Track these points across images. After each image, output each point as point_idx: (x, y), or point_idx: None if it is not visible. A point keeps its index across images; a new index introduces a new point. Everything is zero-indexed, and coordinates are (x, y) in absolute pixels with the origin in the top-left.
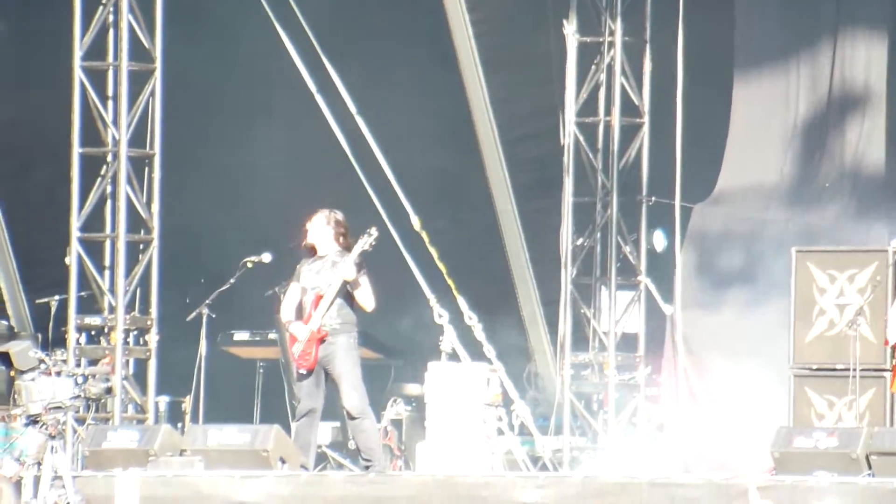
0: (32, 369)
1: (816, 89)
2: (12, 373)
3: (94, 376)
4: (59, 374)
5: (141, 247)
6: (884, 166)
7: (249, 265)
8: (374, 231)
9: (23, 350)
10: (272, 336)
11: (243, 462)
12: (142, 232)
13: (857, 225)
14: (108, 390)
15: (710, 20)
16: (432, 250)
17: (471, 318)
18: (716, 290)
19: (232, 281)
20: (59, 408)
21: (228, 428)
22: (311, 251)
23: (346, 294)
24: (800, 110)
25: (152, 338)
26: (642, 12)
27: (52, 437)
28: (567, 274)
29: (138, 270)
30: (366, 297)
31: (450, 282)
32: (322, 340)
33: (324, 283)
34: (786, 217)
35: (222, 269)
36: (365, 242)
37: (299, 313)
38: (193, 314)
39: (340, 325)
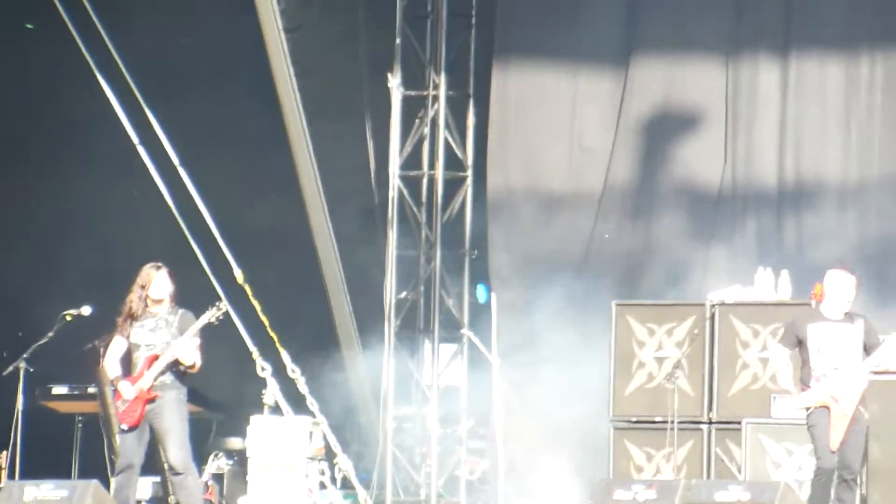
0: None
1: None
2: None
3: None
4: None
5: None
6: (718, 185)
7: (69, 318)
8: (222, 306)
9: None
10: (91, 390)
11: None
12: None
13: (693, 242)
14: None
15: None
16: (255, 303)
17: (294, 370)
18: (535, 340)
19: (50, 334)
20: None
21: (46, 484)
22: (140, 305)
23: None
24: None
25: None
26: (465, 66)
27: None
28: (390, 326)
29: None
30: (197, 362)
31: (272, 334)
32: (150, 400)
33: (159, 342)
34: (617, 228)
35: (40, 322)
36: (211, 316)
37: (125, 368)
38: (10, 368)
39: (170, 382)
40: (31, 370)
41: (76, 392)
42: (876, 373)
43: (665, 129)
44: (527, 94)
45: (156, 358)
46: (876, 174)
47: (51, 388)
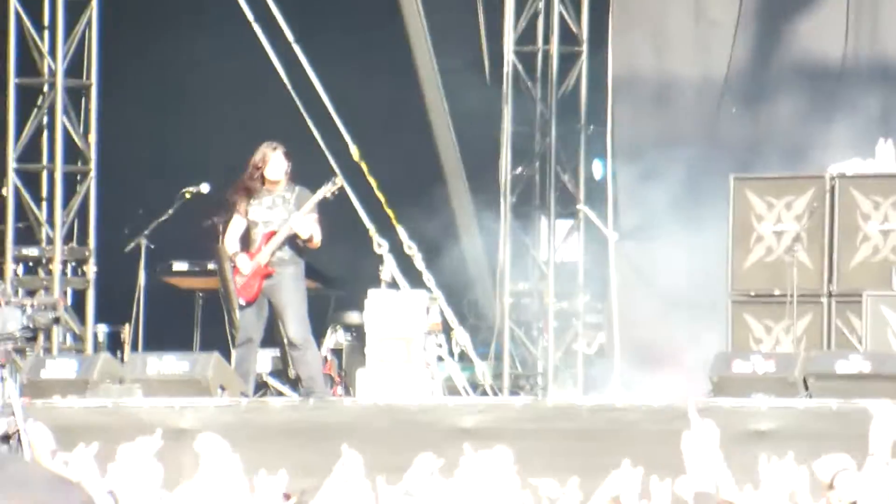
0: None
1: None
2: None
3: (41, 306)
4: (8, 303)
5: (78, 178)
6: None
7: (188, 196)
8: (337, 181)
9: None
10: (211, 266)
11: (183, 390)
12: (79, 163)
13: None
14: (56, 320)
15: None
16: (371, 181)
17: (410, 247)
18: (653, 216)
19: (170, 211)
20: (9, 338)
21: (168, 356)
22: (258, 184)
23: None
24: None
25: (90, 268)
26: None
27: (2, 367)
28: (506, 202)
29: (76, 201)
30: (315, 237)
31: (389, 211)
32: (267, 275)
33: (277, 218)
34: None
35: (161, 199)
36: (327, 191)
37: (244, 244)
38: (132, 244)
39: (289, 258)
40: (152, 247)
41: (196, 268)
42: None
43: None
44: None
45: (273, 234)
46: None
47: (171, 264)
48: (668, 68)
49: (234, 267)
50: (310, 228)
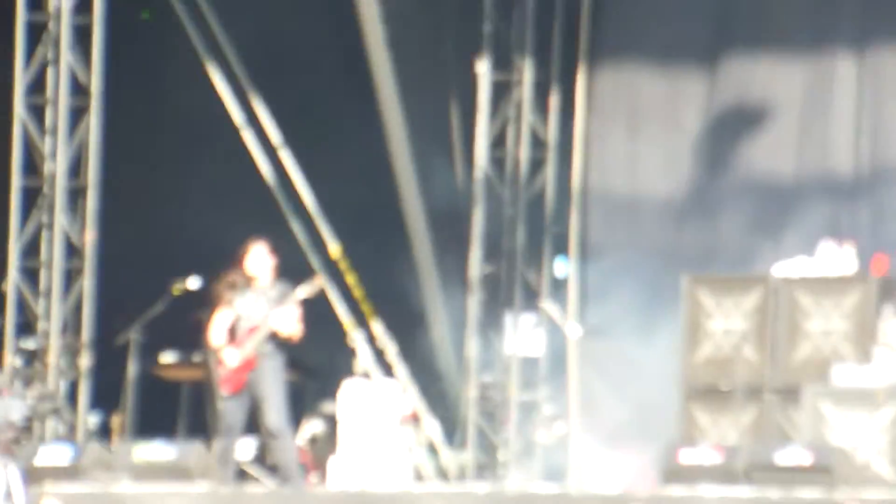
0: None
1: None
2: None
3: (42, 397)
4: (10, 394)
5: (73, 274)
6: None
7: (175, 291)
8: (317, 282)
9: None
10: (196, 359)
11: (168, 476)
12: (74, 260)
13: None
14: (55, 410)
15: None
16: (350, 277)
17: (384, 341)
18: (611, 319)
19: (161, 307)
20: (12, 427)
21: (154, 444)
22: (244, 280)
23: None
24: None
25: (83, 360)
26: (548, 51)
27: (6, 453)
28: (475, 299)
29: (73, 297)
30: (295, 332)
31: (365, 308)
32: (251, 367)
33: (259, 313)
34: (679, 241)
35: (151, 292)
36: (307, 290)
37: (230, 337)
38: (122, 339)
39: (269, 351)
40: (142, 340)
41: (182, 361)
42: None
43: (740, 125)
44: (619, 90)
45: (256, 328)
46: None
47: (158, 357)
48: (638, 176)
49: (219, 359)
50: (290, 326)
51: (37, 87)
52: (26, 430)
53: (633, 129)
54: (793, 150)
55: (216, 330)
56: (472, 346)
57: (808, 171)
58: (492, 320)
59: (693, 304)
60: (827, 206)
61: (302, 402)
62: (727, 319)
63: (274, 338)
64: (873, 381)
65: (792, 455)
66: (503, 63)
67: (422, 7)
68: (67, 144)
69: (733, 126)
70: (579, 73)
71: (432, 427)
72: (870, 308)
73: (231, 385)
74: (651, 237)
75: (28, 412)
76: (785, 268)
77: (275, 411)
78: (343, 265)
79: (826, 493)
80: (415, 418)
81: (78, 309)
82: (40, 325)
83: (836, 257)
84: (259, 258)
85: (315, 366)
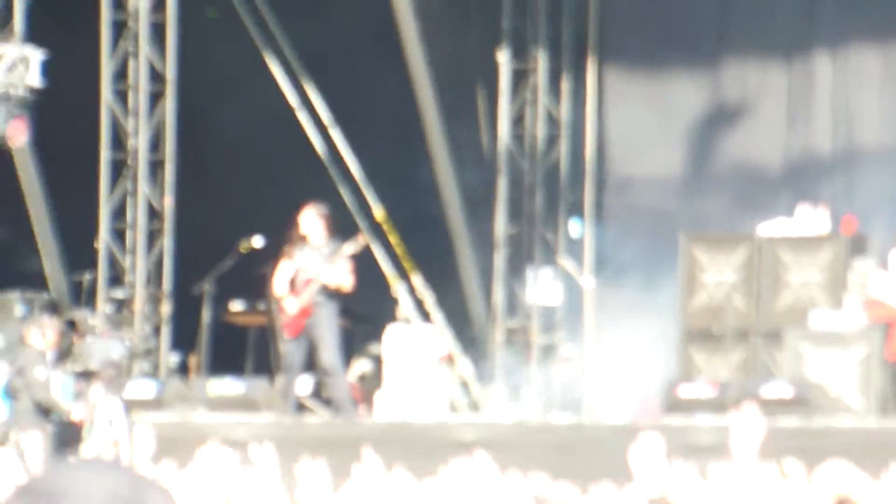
0: (90, 333)
1: (704, 95)
2: (74, 337)
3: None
4: (110, 336)
5: (155, 234)
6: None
7: (243, 249)
8: (361, 240)
9: (83, 318)
10: (261, 307)
11: (238, 408)
12: (155, 223)
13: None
14: (148, 351)
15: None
16: (392, 236)
17: (423, 292)
18: (620, 272)
19: (230, 262)
20: (115, 365)
21: (225, 380)
22: (301, 239)
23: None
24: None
25: (164, 308)
26: (560, 43)
27: (108, 385)
28: (499, 257)
29: (154, 253)
30: (345, 283)
31: (406, 264)
32: (308, 314)
33: (315, 267)
34: (678, 207)
35: (222, 251)
36: (352, 247)
37: (291, 287)
38: (198, 289)
39: (324, 300)
40: (214, 291)
41: (249, 309)
42: None
43: (734, 113)
44: (624, 78)
45: (311, 280)
46: None
47: (228, 305)
48: (642, 152)
49: (281, 307)
50: (339, 277)
51: (120, 75)
52: (125, 367)
53: (637, 111)
54: (779, 136)
55: (278, 281)
56: (499, 296)
57: (792, 153)
58: (515, 274)
59: (689, 259)
60: (807, 179)
61: (352, 344)
62: (719, 272)
63: (327, 289)
64: (845, 325)
65: (775, 389)
66: (521, 53)
67: (449, 4)
68: (147, 124)
69: (727, 114)
70: (589, 63)
71: (465, 366)
72: (841, 262)
73: (291, 329)
74: (654, 205)
75: (126, 352)
76: (768, 228)
77: (329, 352)
78: (387, 226)
79: (805, 421)
80: (450, 359)
81: (159, 264)
82: (127, 278)
83: (811, 219)
84: (311, 220)
85: (363, 313)
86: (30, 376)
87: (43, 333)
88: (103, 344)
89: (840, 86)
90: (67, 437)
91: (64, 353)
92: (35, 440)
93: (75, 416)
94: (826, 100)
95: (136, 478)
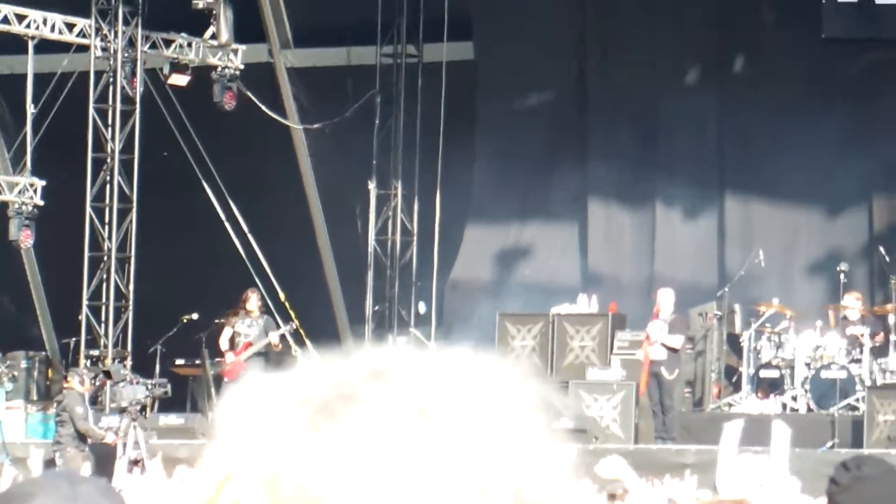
0: (122, 380)
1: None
2: (109, 382)
3: (155, 385)
4: (133, 382)
5: (122, 310)
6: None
7: (184, 320)
8: (293, 325)
9: (117, 369)
10: (197, 362)
11: (181, 435)
12: (122, 301)
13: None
14: (166, 393)
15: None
16: (292, 312)
17: (311, 350)
18: (456, 340)
19: (174, 330)
20: (139, 404)
21: (171, 415)
22: (242, 311)
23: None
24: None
25: (128, 363)
26: (413, 175)
27: (134, 420)
28: (368, 327)
29: (119, 326)
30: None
31: (300, 330)
32: (243, 367)
33: (252, 334)
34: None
35: (170, 323)
36: (288, 329)
37: (231, 346)
38: (151, 349)
39: (256, 358)
40: (164, 350)
41: (189, 363)
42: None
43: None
44: (462, 202)
45: (249, 344)
46: None
47: (174, 360)
48: (474, 257)
49: (223, 359)
50: (276, 341)
51: (99, 197)
52: (146, 406)
53: (469, 232)
54: (570, 260)
55: (223, 340)
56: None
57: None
58: (379, 339)
59: (502, 329)
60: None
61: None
62: (523, 339)
63: (259, 350)
64: (610, 378)
65: (562, 422)
66: (385, 183)
67: (333, 147)
68: (117, 232)
69: (523, 249)
70: (438, 190)
71: None
72: (607, 332)
73: (231, 375)
74: (483, 290)
75: (148, 394)
76: (558, 309)
77: None
78: (287, 304)
79: (584, 444)
80: None
81: (125, 331)
82: (102, 342)
83: (586, 304)
84: (252, 300)
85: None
86: (73, 411)
87: (82, 381)
88: (132, 388)
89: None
90: (101, 456)
91: (94, 397)
92: (75, 459)
93: (109, 440)
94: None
95: (101, 488)
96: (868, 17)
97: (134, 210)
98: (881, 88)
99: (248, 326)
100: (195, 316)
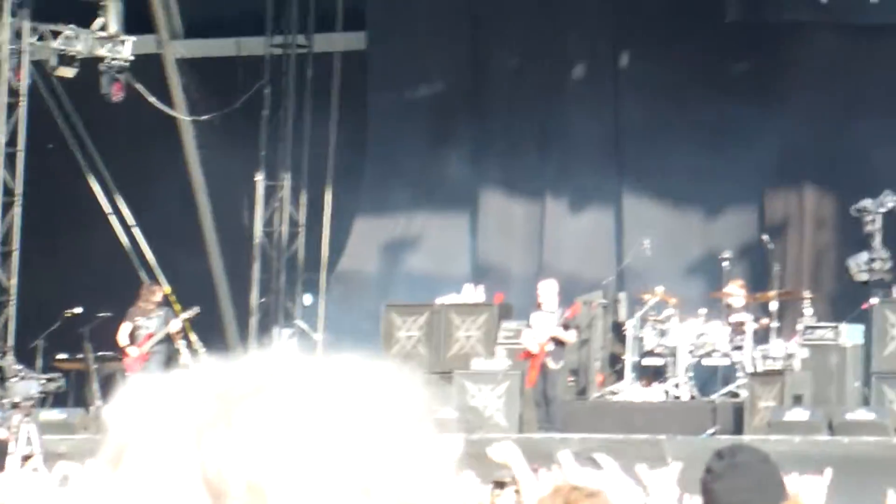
0: (14, 376)
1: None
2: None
3: (48, 379)
4: (25, 377)
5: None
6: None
7: (67, 315)
8: (197, 308)
9: (9, 364)
10: (79, 357)
11: (61, 430)
12: (4, 296)
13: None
14: (59, 388)
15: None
16: (177, 306)
17: (198, 345)
18: (342, 331)
19: (57, 324)
20: (32, 399)
21: (53, 410)
22: (144, 306)
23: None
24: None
25: (9, 358)
26: (301, 166)
27: (27, 415)
28: (254, 318)
29: (2, 318)
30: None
31: (186, 324)
32: (146, 359)
33: (152, 326)
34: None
35: (53, 317)
36: (191, 313)
37: (132, 340)
38: (33, 344)
39: (157, 349)
40: (46, 345)
41: (71, 358)
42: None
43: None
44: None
45: (151, 336)
46: None
47: (56, 355)
48: (361, 249)
49: (124, 353)
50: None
51: None
52: (39, 401)
53: (357, 225)
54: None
55: (122, 334)
56: (253, 348)
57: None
58: (265, 332)
59: (388, 320)
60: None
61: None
62: (409, 330)
63: (159, 342)
64: (495, 367)
65: (446, 412)
66: (273, 175)
67: (222, 137)
68: (0, 225)
69: (411, 240)
70: (328, 182)
71: None
72: (493, 323)
73: (132, 369)
74: (371, 281)
75: (41, 389)
76: (444, 298)
77: None
78: (172, 299)
79: (467, 433)
80: None
81: (5, 326)
82: None
83: (472, 294)
84: (151, 295)
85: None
86: None
87: None
88: (24, 384)
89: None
90: None
91: None
92: None
93: (1, 436)
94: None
95: None
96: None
97: (18, 203)
98: (782, 74)
99: (148, 319)
100: (78, 310)
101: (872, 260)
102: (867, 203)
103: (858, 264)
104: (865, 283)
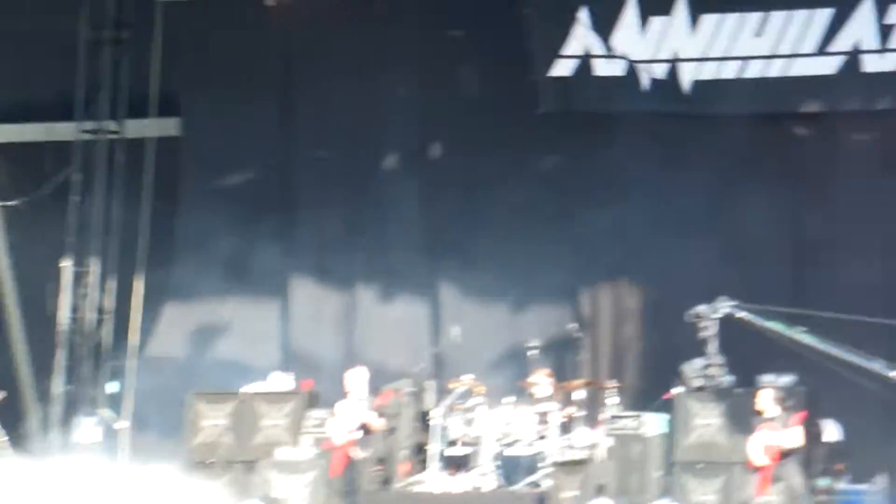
0: None
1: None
2: None
3: None
4: None
5: None
6: None
7: None
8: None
9: None
10: None
11: None
12: None
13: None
14: None
15: None
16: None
17: (1, 433)
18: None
19: None
20: None
21: None
22: None
23: None
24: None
25: None
26: (108, 253)
27: None
28: (57, 408)
29: None
30: None
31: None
32: None
33: None
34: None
35: None
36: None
37: None
38: None
39: None
40: None
41: None
42: None
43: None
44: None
45: None
46: None
47: None
48: (166, 337)
49: None
50: None
51: None
52: None
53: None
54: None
55: None
56: (56, 436)
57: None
58: (68, 420)
59: (194, 409)
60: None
61: None
62: (215, 418)
63: None
64: (300, 456)
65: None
66: (81, 261)
67: (31, 226)
68: None
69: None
70: (138, 268)
71: None
72: (300, 411)
73: None
74: (178, 369)
75: None
76: (250, 386)
77: None
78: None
79: None
80: None
81: None
82: None
83: (279, 381)
84: None
85: None
86: None
87: None
88: None
89: None
90: None
91: None
92: None
93: None
94: None
95: None
96: (587, 88)
97: None
98: (595, 166)
99: None
100: None
101: (708, 366)
102: (702, 308)
103: (694, 370)
104: (700, 389)
